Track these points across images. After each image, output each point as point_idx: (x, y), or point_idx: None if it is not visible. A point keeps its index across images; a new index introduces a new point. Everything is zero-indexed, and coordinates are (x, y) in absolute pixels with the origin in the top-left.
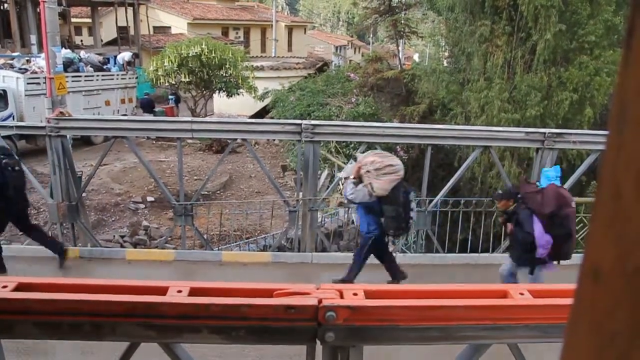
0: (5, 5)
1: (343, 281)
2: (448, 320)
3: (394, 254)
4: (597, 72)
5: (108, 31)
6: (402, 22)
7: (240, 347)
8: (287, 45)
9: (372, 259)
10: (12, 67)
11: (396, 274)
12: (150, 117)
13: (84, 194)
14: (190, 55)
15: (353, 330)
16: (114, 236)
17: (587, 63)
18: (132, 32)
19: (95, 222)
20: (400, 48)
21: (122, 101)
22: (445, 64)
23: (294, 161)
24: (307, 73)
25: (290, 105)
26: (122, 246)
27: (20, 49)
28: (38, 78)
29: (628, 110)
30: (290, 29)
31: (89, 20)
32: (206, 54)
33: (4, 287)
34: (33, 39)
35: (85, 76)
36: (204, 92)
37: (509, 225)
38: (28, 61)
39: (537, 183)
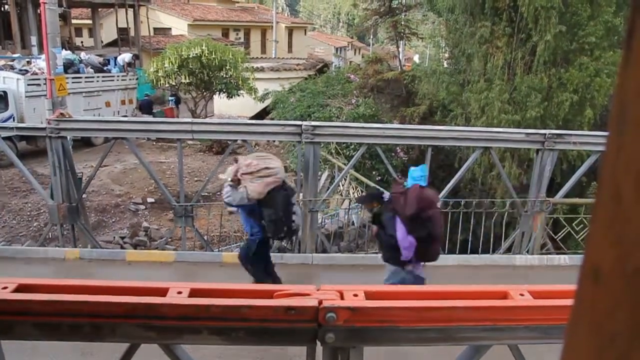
0: (6, 6)
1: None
2: (448, 321)
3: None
4: (598, 73)
5: (108, 32)
6: (403, 23)
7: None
8: (288, 46)
9: (371, 260)
10: (12, 68)
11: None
12: (151, 119)
13: (84, 195)
14: (190, 56)
15: (353, 331)
16: (114, 237)
17: (588, 64)
18: (132, 33)
19: (96, 224)
20: (400, 49)
21: (123, 102)
22: (446, 65)
23: (294, 162)
24: (308, 74)
25: (291, 107)
26: (122, 247)
27: (20, 50)
28: (38, 79)
29: (628, 111)
30: (290, 30)
31: (90, 21)
32: (206, 55)
33: (4, 288)
34: (33, 40)
35: (86, 77)
36: (204, 93)
37: (374, 227)
38: (28, 62)
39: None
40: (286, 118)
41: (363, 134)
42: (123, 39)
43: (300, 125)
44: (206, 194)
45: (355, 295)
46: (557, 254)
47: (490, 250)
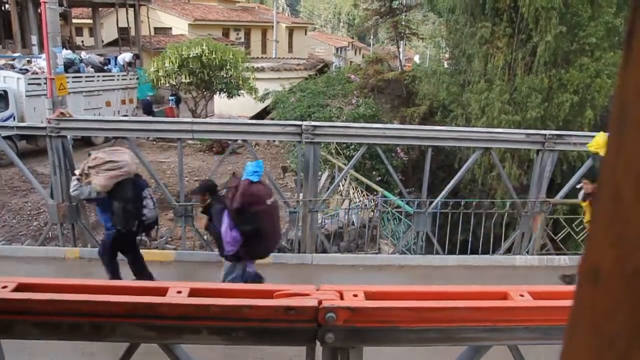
0: (7, 5)
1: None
2: (448, 321)
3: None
4: (598, 74)
5: (109, 32)
6: (403, 23)
7: (240, 348)
8: (288, 46)
9: (371, 261)
10: (13, 67)
11: (141, 274)
12: (151, 118)
13: None
14: (191, 56)
15: (353, 332)
16: None
17: (588, 65)
18: (133, 33)
19: (96, 223)
20: (400, 49)
21: (123, 102)
22: (446, 66)
23: (294, 162)
24: (308, 74)
25: (291, 107)
26: None
27: (21, 49)
28: (39, 79)
29: (628, 111)
30: (291, 30)
31: (90, 21)
32: (207, 55)
33: (4, 287)
34: (34, 39)
35: (86, 77)
36: (205, 93)
37: (204, 220)
38: (29, 62)
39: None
40: (286, 118)
41: (363, 134)
42: (123, 38)
43: (301, 126)
44: None
45: (355, 295)
46: (557, 254)
47: (490, 250)
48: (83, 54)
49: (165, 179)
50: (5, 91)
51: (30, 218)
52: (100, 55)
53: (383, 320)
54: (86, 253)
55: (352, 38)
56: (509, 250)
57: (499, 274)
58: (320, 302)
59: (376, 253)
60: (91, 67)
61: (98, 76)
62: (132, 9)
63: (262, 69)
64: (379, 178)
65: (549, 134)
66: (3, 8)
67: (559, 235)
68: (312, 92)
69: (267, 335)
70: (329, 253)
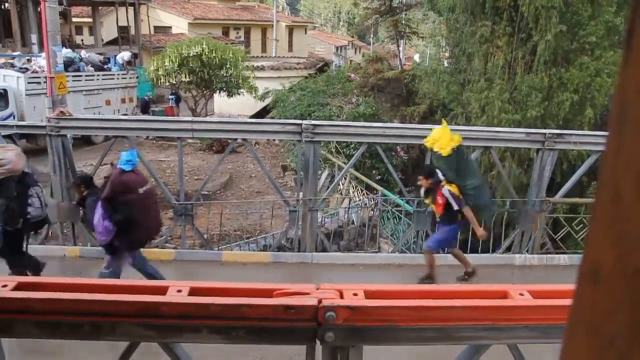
0: (6, 4)
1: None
2: (448, 320)
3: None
4: (598, 73)
5: (109, 31)
6: (403, 22)
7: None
8: (288, 45)
9: (371, 259)
10: (12, 66)
11: (26, 270)
12: (151, 117)
13: None
14: (190, 55)
15: (353, 330)
16: None
17: (588, 64)
18: (132, 31)
19: None
20: (400, 48)
21: (123, 101)
22: (446, 65)
23: (294, 161)
24: (308, 73)
25: (291, 105)
26: None
27: (21, 48)
28: (39, 77)
29: (628, 110)
30: (290, 29)
31: (90, 19)
32: (207, 53)
33: (4, 286)
34: (34, 38)
35: (86, 76)
36: (205, 92)
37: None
38: (29, 60)
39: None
40: (286, 117)
41: (363, 133)
42: (123, 37)
43: (301, 124)
44: (206, 192)
45: (355, 294)
46: (557, 253)
47: (490, 249)
48: (83, 53)
49: (165, 178)
50: (5, 90)
51: None
52: (100, 54)
53: (383, 319)
54: (86, 252)
55: (352, 37)
56: (508, 249)
57: (499, 272)
58: (320, 301)
59: (376, 252)
60: (91, 66)
61: (98, 75)
62: (132, 7)
63: (262, 68)
64: (379, 177)
65: (549, 133)
66: (3, 7)
67: (559, 234)
68: (312, 91)
69: (266, 334)
70: (328, 252)
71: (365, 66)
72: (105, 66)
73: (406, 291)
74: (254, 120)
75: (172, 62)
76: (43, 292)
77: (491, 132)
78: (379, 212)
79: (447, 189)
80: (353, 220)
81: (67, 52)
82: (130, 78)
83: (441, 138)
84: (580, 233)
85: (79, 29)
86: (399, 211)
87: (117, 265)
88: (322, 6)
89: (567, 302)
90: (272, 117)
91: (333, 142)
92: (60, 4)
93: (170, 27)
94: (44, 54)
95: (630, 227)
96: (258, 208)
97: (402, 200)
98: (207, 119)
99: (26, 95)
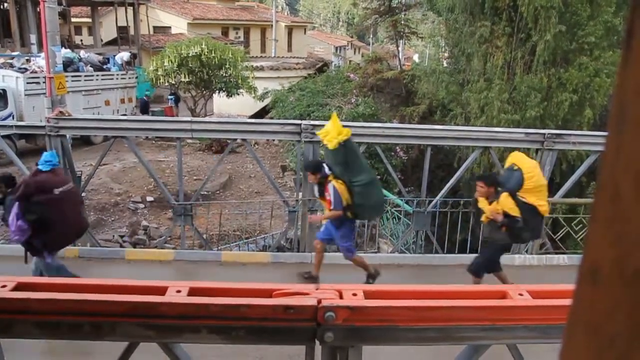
0: (5, 4)
1: None
2: (447, 320)
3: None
4: (597, 73)
5: (108, 31)
6: (402, 22)
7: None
8: (287, 45)
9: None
10: (11, 66)
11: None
12: (150, 117)
13: (83, 194)
14: (190, 55)
15: (352, 331)
16: (114, 236)
17: (587, 64)
18: (132, 32)
19: (95, 222)
20: (400, 49)
21: (122, 101)
22: (445, 65)
23: (293, 161)
24: (307, 73)
25: (290, 106)
26: (121, 246)
27: (20, 48)
28: (38, 77)
29: (627, 110)
30: (290, 29)
31: (89, 20)
32: (206, 54)
33: (4, 286)
34: (33, 38)
35: (85, 76)
36: (204, 92)
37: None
38: (28, 60)
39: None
40: (286, 117)
41: (362, 133)
42: (123, 37)
43: (300, 125)
44: (205, 192)
45: (354, 294)
46: (556, 253)
47: None
48: (82, 53)
49: (164, 178)
50: (4, 90)
51: None
52: (99, 54)
53: (382, 319)
54: (85, 252)
55: (352, 37)
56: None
57: None
58: (319, 301)
59: (375, 252)
60: (90, 66)
61: (97, 75)
62: (131, 7)
63: (262, 68)
64: (378, 177)
65: (548, 133)
66: (2, 7)
67: (558, 234)
68: (311, 91)
69: (266, 334)
70: (328, 252)
71: (365, 66)
72: (105, 66)
73: (405, 291)
74: (253, 120)
75: (172, 62)
76: (43, 292)
77: (490, 132)
78: None
79: (332, 185)
80: None
81: (66, 52)
82: (129, 78)
83: (330, 131)
84: (580, 233)
85: (78, 29)
86: (398, 211)
87: (43, 265)
88: (322, 6)
89: (567, 302)
90: (272, 117)
91: None
92: (60, 4)
93: (170, 27)
94: (43, 54)
95: (629, 227)
96: (257, 208)
97: (402, 200)
98: (207, 119)
99: (25, 95)
